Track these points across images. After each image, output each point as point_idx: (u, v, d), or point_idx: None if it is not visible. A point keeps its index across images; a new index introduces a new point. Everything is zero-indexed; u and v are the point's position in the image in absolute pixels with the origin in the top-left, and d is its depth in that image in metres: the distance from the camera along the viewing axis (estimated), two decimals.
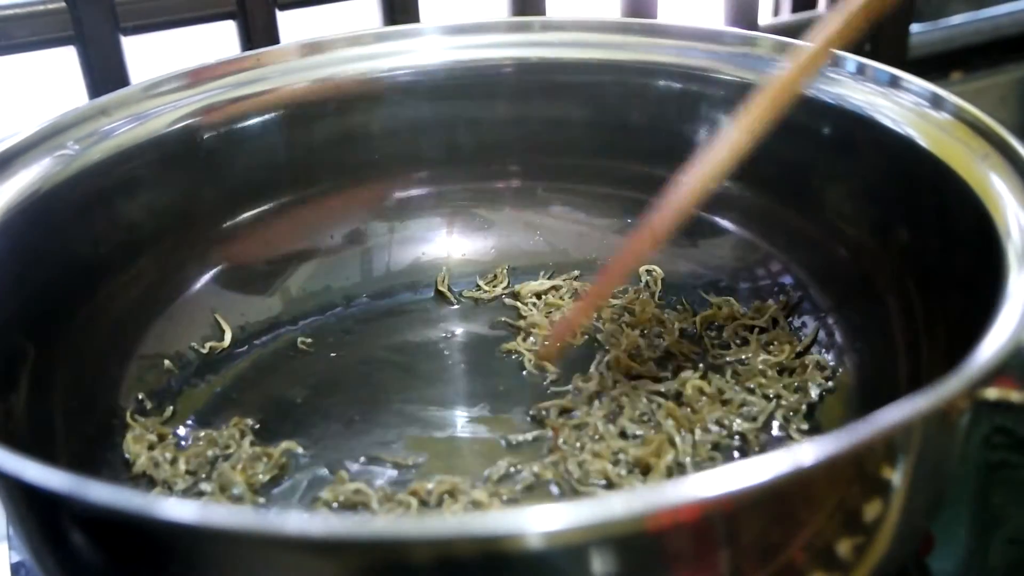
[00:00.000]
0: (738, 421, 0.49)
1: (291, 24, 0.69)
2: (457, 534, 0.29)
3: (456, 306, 0.60)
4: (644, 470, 0.47)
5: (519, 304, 0.59)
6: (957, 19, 0.92)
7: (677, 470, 0.46)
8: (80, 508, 0.32)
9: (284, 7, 0.69)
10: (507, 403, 0.52)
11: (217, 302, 0.56)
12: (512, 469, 0.47)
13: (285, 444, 0.49)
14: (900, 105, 0.51)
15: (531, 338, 0.56)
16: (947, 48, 0.91)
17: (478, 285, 0.61)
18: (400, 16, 0.71)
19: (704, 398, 0.50)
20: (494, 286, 0.60)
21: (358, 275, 0.61)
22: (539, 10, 0.75)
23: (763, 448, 0.48)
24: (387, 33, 0.62)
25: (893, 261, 0.51)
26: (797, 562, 0.35)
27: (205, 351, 0.55)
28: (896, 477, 0.35)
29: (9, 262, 0.47)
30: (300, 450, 0.49)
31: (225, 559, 0.33)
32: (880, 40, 0.85)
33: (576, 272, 0.61)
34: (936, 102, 0.50)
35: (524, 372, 0.54)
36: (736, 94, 0.58)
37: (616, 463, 0.47)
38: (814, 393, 0.51)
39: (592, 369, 0.53)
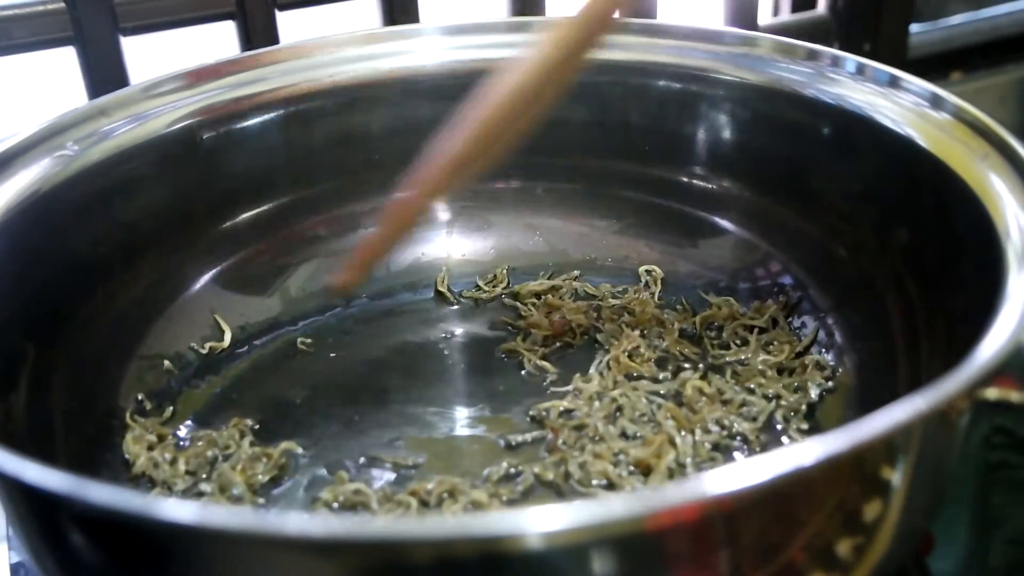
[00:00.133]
0: (738, 421, 0.49)
1: (291, 24, 0.69)
2: (457, 534, 0.29)
3: (456, 306, 0.60)
4: (645, 471, 0.47)
5: (519, 304, 0.59)
6: (957, 19, 0.92)
7: (677, 470, 0.46)
8: (80, 508, 0.32)
9: (284, 7, 0.69)
10: (507, 403, 0.52)
11: (217, 302, 0.56)
12: (512, 470, 0.47)
13: (285, 444, 0.49)
14: (900, 105, 0.51)
15: (531, 338, 0.56)
16: (947, 48, 0.91)
17: (478, 285, 0.61)
18: (400, 16, 0.71)
19: (704, 398, 0.50)
20: (494, 286, 0.60)
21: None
22: (539, 10, 0.75)
23: (763, 448, 0.48)
24: (387, 33, 0.62)
25: (893, 261, 0.51)
26: (797, 562, 0.35)
27: (205, 351, 0.55)
28: (896, 477, 0.35)
29: (9, 262, 0.47)
30: (300, 450, 0.49)
31: (225, 560, 0.33)
32: (880, 40, 0.85)
33: (576, 272, 0.61)
34: (936, 102, 0.50)
35: (524, 372, 0.54)
36: (736, 94, 0.58)
37: (616, 464, 0.47)
38: (814, 393, 0.51)
39: (592, 369, 0.53)
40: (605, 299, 0.59)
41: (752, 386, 0.51)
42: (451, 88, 0.60)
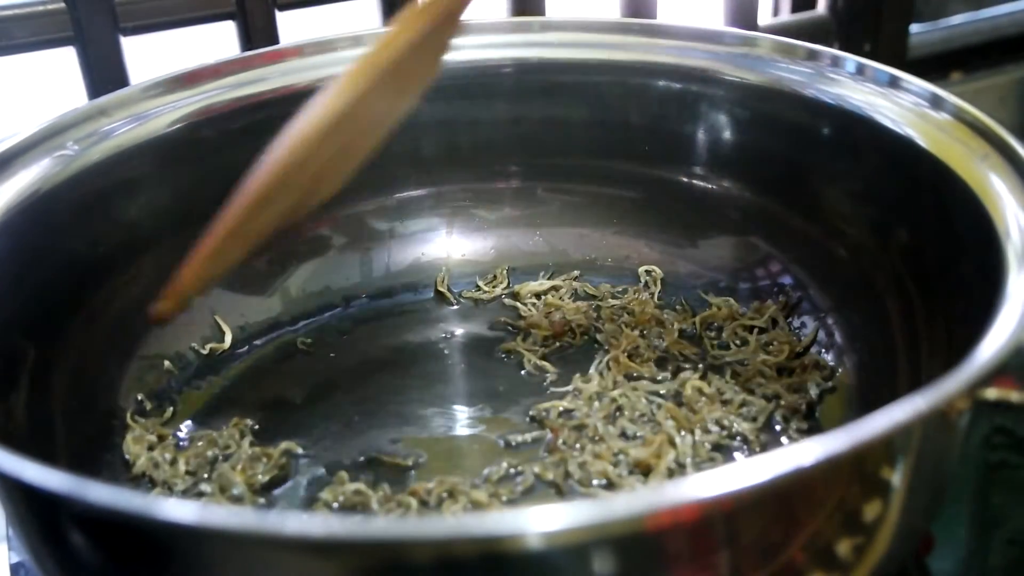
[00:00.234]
0: (738, 421, 0.49)
1: (291, 24, 0.69)
2: (457, 534, 0.29)
3: (456, 306, 0.60)
4: (644, 471, 0.47)
5: (519, 304, 0.59)
6: (957, 19, 0.92)
7: (677, 471, 0.46)
8: (80, 509, 0.32)
9: (284, 7, 0.69)
10: (507, 403, 0.52)
11: (217, 302, 0.56)
12: (512, 470, 0.47)
13: (285, 444, 0.49)
14: (900, 105, 0.51)
15: (531, 338, 0.56)
16: (947, 48, 0.91)
17: (478, 286, 0.61)
18: None
19: (704, 398, 0.50)
20: (494, 287, 0.60)
21: (358, 275, 0.61)
22: (539, 10, 0.75)
23: (763, 448, 0.48)
24: None
25: (893, 261, 0.51)
26: (797, 562, 0.35)
27: (205, 352, 0.55)
28: (896, 477, 0.35)
29: (9, 262, 0.47)
30: (300, 450, 0.49)
31: (225, 560, 0.33)
32: (880, 40, 0.85)
33: (576, 272, 0.61)
34: (936, 102, 0.50)
35: (524, 372, 0.54)
36: (736, 94, 0.58)
37: (616, 464, 0.47)
38: (813, 393, 0.51)
39: (592, 369, 0.53)
40: (605, 299, 0.59)
41: (752, 386, 0.51)
42: (451, 88, 0.61)
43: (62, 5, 0.63)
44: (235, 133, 0.57)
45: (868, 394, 0.50)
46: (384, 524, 0.33)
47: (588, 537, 0.30)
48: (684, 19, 0.84)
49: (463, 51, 0.61)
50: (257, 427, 0.51)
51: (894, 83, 0.52)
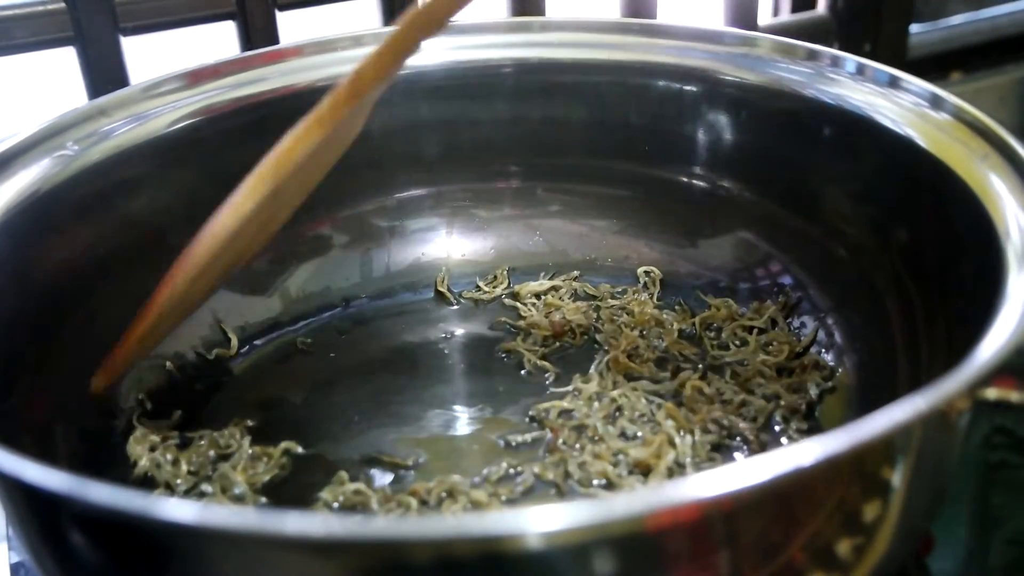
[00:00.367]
0: (738, 421, 0.49)
1: (291, 24, 0.69)
2: (457, 534, 0.29)
3: (456, 307, 0.60)
4: (644, 471, 0.47)
5: (519, 305, 0.59)
6: (956, 19, 0.92)
7: (677, 471, 0.46)
8: (80, 508, 0.32)
9: (284, 7, 0.69)
10: (507, 403, 0.52)
11: (217, 303, 0.56)
12: (512, 470, 0.47)
13: (285, 444, 0.49)
14: (900, 105, 0.51)
15: (531, 338, 0.56)
16: (946, 48, 0.91)
17: (478, 286, 0.61)
18: (400, 16, 0.71)
19: (703, 398, 0.50)
20: (494, 287, 0.60)
21: (358, 276, 0.61)
22: (539, 10, 0.75)
23: (763, 448, 0.48)
24: (387, 33, 0.62)
25: (893, 261, 0.51)
26: (797, 562, 0.35)
27: (211, 358, 0.55)
28: (896, 477, 0.35)
29: (9, 262, 0.47)
30: (300, 450, 0.49)
31: (225, 560, 0.33)
32: (880, 40, 0.85)
33: (576, 272, 0.61)
34: (936, 102, 0.50)
35: (524, 372, 0.54)
36: (736, 94, 0.58)
37: (616, 464, 0.47)
38: (813, 393, 0.51)
39: (592, 370, 0.53)
40: (605, 299, 0.59)
41: (751, 386, 0.51)
42: (451, 88, 0.61)
43: (62, 5, 0.63)
44: (235, 133, 0.57)
45: (868, 394, 0.50)
46: (384, 524, 0.33)
47: (588, 537, 0.30)
48: (684, 19, 0.84)
49: (463, 51, 0.61)
50: (257, 427, 0.50)
51: (894, 83, 0.52)
